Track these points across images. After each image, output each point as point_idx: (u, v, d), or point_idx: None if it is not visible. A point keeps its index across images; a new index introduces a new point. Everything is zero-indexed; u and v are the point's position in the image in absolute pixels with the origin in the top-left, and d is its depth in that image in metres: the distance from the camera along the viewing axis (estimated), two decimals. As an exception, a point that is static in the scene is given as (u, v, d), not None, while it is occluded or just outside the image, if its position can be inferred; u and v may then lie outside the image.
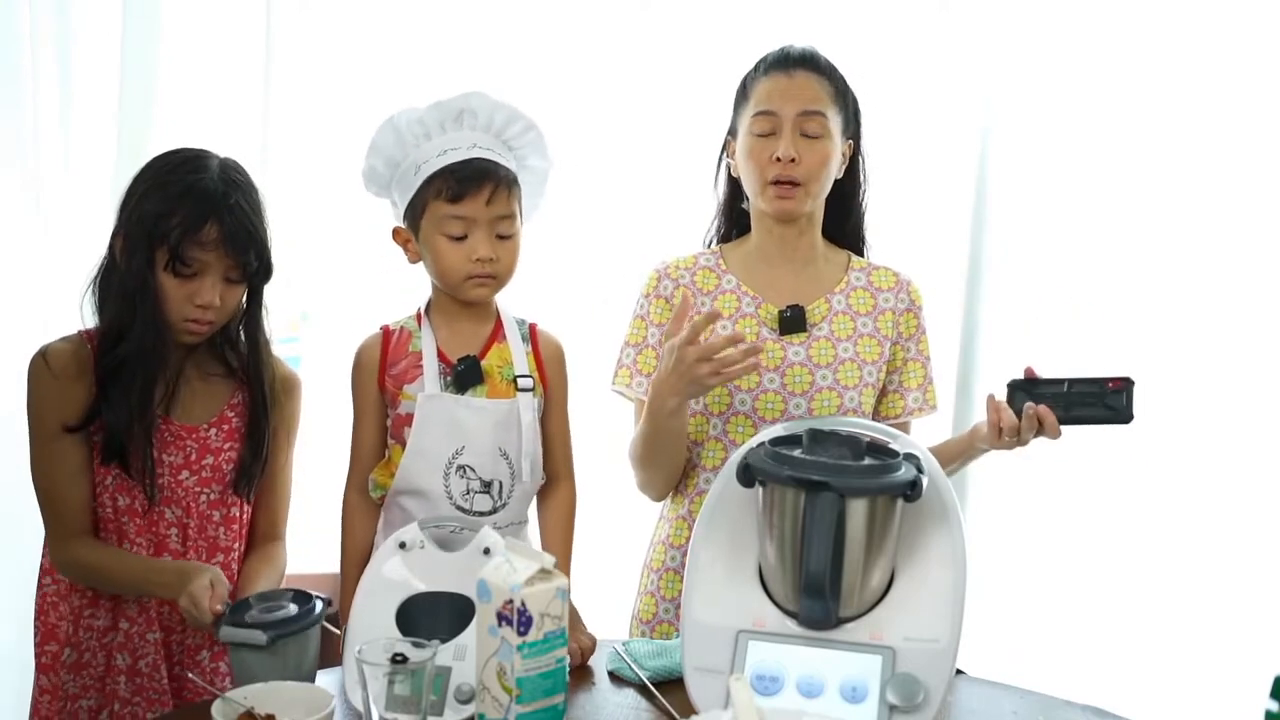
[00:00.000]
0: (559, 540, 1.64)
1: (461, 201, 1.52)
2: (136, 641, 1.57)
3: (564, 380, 1.65)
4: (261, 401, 1.62)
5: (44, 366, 1.52)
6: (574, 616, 1.56)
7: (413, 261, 1.61)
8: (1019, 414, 1.54)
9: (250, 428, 1.62)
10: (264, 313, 1.63)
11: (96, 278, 1.56)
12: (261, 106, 2.19)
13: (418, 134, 1.55)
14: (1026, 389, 1.54)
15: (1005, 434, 1.55)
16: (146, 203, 1.50)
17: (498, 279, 1.57)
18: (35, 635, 1.59)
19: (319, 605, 1.40)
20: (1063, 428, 1.53)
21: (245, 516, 1.66)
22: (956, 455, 1.67)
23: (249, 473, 1.62)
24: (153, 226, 1.48)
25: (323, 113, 2.23)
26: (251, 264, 1.53)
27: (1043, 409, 1.52)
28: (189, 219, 1.47)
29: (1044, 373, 1.57)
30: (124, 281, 1.51)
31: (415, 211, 1.56)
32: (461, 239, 1.54)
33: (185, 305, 1.51)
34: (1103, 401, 1.49)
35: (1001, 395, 1.57)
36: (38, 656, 1.58)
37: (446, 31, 2.27)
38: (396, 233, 1.62)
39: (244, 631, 1.35)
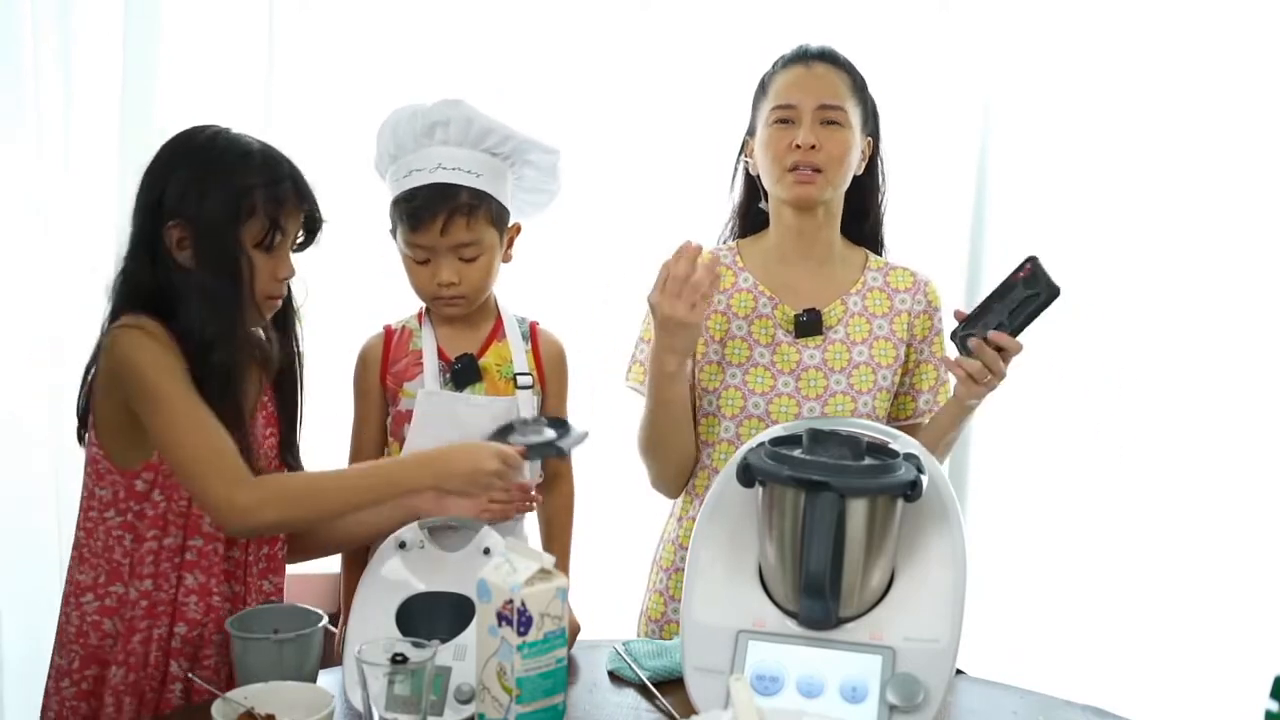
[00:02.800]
0: (560, 533, 1.65)
1: (417, 231, 1.53)
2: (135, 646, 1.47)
3: (563, 380, 1.65)
4: (295, 371, 1.55)
5: (142, 332, 1.37)
6: None
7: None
8: (973, 356, 1.56)
9: (282, 401, 1.55)
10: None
11: (140, 290, 1.41)
12: (263, 107, 2.19)
13: (399, 144, 1.55)
14: (967, 331, 1.57)
15: (977, 378, 1.56)
16: (212, 184, 1.38)
17: (467, 298, 1.57)
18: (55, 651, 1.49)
19: (575, 428, 1.52)
20: (1020, 338, 1.55)
21: None
22: (952, 421, 1.68)
23: (291, 444, 1.56)
24: (237, 204, 1.38)
25: (324, 113, 2.23)
26: (319, 216, 1.47)
27: (993, 334, 1.54)
28: (269, 180, 1.40)
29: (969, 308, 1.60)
30: (203, 282, 1.38)
31: (392, 225, 1.58)
32: (425, 262, 1.55)
33: (270, 282, 1.44)
34: (1026, 292, 1.52)
35: (953, 353, 1.60)
36: (54, 664, 1.48)
37: (449, 31, 2.26)
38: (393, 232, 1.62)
39: (578, 436, 1.50)
